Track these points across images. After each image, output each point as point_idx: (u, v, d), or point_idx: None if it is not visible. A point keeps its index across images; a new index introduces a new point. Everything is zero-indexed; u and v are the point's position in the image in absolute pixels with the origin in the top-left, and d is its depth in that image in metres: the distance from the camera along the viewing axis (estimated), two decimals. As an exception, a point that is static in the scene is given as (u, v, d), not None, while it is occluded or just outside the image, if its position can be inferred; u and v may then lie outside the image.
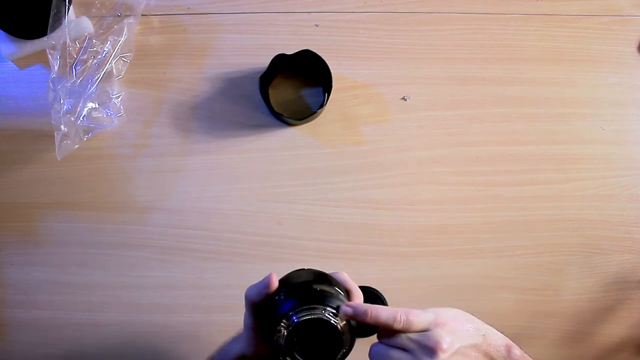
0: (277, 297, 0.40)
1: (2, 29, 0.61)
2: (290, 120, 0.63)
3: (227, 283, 0.62)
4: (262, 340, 0.43)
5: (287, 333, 0.37)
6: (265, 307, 0.41)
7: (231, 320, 0.62)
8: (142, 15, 0.65)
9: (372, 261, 0.63)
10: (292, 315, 0.38)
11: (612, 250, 0.65)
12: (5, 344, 0.61)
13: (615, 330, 0.65)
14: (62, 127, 0.58)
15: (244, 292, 0.54)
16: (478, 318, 0.43)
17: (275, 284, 0.41)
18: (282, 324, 0.38)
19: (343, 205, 0.64)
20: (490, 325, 0.42)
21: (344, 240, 0.63)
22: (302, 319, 0.37)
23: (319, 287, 0.40)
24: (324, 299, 0.39)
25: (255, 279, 0.61)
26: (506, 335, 0.41)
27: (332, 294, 0.40)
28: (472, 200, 0.65)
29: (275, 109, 0.63)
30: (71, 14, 0.63)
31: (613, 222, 0.66)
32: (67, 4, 0.60)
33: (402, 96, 0.66)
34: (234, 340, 0.54)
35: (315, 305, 0.38)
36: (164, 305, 0.62)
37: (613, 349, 0.65)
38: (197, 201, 0.63)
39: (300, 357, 0.38)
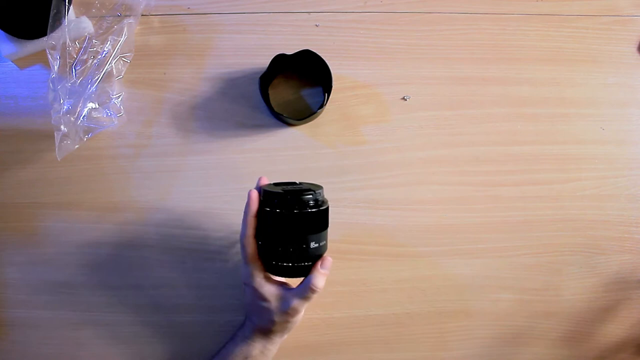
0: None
1: (2, 29, 0.61)
2: (290, 120, 0.63)
3: (227, 283, 0.62)
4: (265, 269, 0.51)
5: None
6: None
7: (231, 320, 0.62)
8: (142, 15, 0.65)
9: (372, 261, 0.63)
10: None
11: (612, 250, 0.65)
12: (5, 344, 0.61)
13: (615, 330, 0.65)
14: (62, 127, 0.58)
15: (242, 289, 0.53)
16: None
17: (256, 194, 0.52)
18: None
19: (343, 205, 0.64)
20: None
21: (344, 240, 0.63)
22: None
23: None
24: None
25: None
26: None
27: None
28: (472, 200, 0.65)
29: (275, 109, 0.63)
30: (71, 14, 0.63)
31: (613, 222, 0.66)
32: (67, 4, 0.60)
33: (402, 96, 0.66)
34: (233, 338, 0.55)
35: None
36: (164, 305, 0.62)
37: (613, 349, 0.65)
38: (197, 201, 0.63)
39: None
